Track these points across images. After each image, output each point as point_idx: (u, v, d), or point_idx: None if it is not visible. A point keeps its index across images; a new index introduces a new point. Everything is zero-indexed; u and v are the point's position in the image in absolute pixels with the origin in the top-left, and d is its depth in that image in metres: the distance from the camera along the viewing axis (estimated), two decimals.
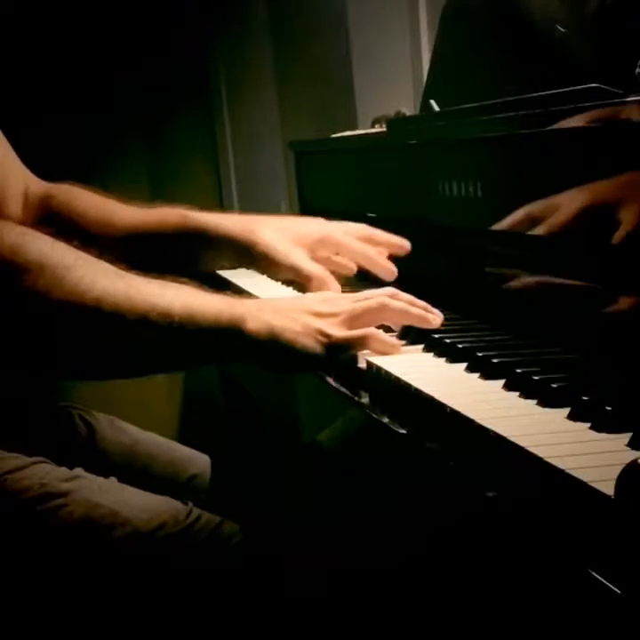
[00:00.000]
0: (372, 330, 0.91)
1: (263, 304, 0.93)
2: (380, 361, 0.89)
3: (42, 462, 0.95)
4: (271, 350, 0.89)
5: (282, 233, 1.17)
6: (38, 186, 1.20)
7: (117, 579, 0.91)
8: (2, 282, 0.84)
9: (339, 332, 0.90)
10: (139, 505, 0.94)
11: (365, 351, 0.92)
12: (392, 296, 0.96)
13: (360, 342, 0.91)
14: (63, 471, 0.96)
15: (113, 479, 0.99)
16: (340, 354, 0.91)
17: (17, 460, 0.94)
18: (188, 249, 1.18)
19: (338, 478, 1.04)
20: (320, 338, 0.90)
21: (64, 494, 0.92)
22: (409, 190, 1.26)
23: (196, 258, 1.20)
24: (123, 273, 0.89)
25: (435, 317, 0.97)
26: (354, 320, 0.92)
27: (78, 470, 0.98)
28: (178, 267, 1.09)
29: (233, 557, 0.94)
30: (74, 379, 1.03)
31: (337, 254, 1.20)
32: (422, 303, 0.98)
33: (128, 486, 0.98)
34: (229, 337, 0.89)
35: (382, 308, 0.94)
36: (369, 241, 1.17)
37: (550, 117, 0.89)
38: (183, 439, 1.27)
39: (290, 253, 1.13)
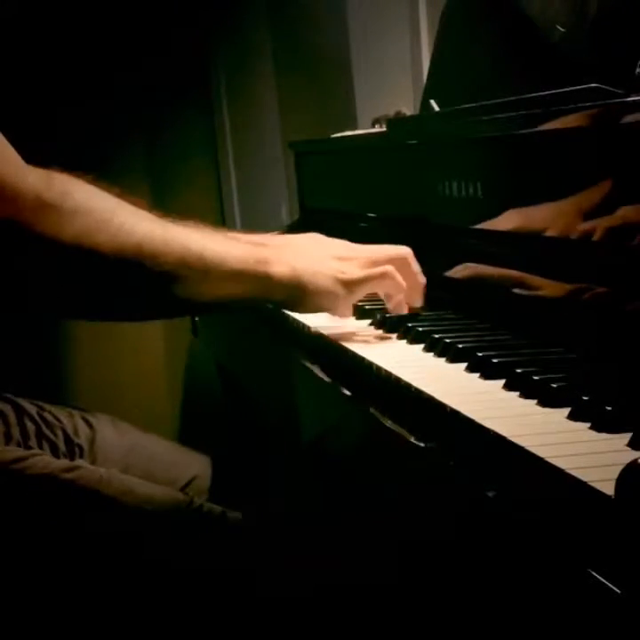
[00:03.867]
0: (389, 268, 0.97)
1: (286, 247, 0.98)
2: (380, 361, 0.89)
3: (42, 454, 0.96)
4: (293, 290, 0.95)
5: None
6: None
7: (119, 568, 0.91)
8: (52, 225, 0.86)
9: (357, 271, 0.97)
10: (140, 495, 0.94)
11: (367, 351, 0.92)
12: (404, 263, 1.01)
13: (377, 280, 0.97)
14: (64, 462, 0.96)
15: (114, 470, 0.99)
16: (357, 292, 0.98)
17: (17, 451, 0.94)
18: None
19: (338, 478, 1.04)
20: (339, 276, 0.96)
21: (66, 484, 0.92)
22: (409, 190, 1.26)
23: None
24: (159, 219, 0.93)
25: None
26: (372, 264, 0.98)
27: (79, 461, 0.98)
28: None
29: (234, 548, 0.95)
30: (112, 320, 1.09)
31: None
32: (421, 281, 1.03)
33: (129, 477, 0.99)
34: (256, 279, 0.93)
35: (403, 260, 1.00)
36: None
37: (550, 117, 0.89)
38: (183, 439, 1.27)
39: None
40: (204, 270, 0.91)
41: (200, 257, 0.91)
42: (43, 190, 0.86)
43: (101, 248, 0.87)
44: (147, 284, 0.91)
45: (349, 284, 0.96)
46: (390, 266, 0.98)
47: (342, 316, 1.02)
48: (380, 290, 0.99)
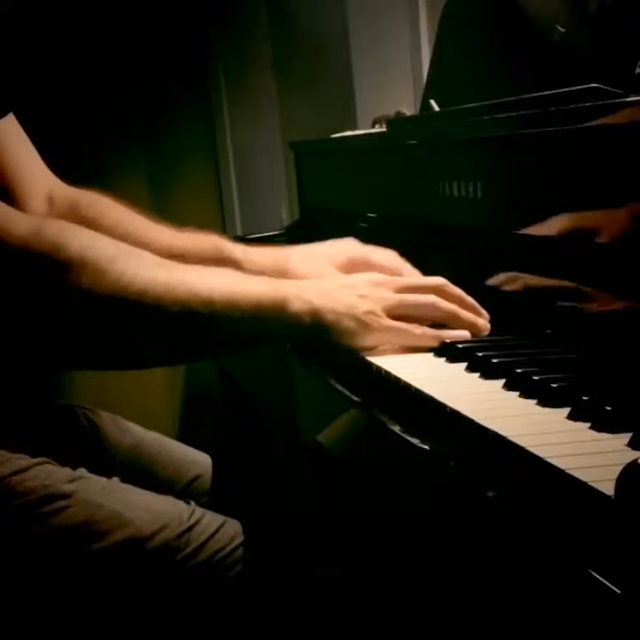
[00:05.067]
0: (412, 327, 0.92)
1: (308, 285, 0.93)
2: (380, 361, 0.89)
3: (45, 463, 0.95)
4: (314, 329, 0.90)
5: (312, 258, 1.16)
6: (64, 190, 1.19)
7: (120, 580, 0.91)
8: (45, 279, 0.84)
9: (383, 319, 0.91)
10: (141, 506, 0.94)
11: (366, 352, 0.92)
12: (442, 291, 0.96)
13: (400, 335, 0.92)
14: (66, 472, 0.96)
15: (115, 480, 0.99)
16: (384, 336, 0.92)
17: (21, 460, 0.94)
18: None
19: (338, 478, 1.04)
20: (364, 319, 0.91)
21: (67, 496, 0.91)
22: (409, 190, 1.26)
23: None
24: (164, 262, 0.89)
25: (484, 323, 0.96)
26: (399, 309, 0.93)
27: (81, 471, 0.97)
28: None
29: (235, 558, 0.94)
30: (116, 370, 1.05)
31: None
32: (471, 301, 0.97)
33: (131, 487, 0.98)
34: (271, 320, 0.90)
35: (432, 306, 0.94)
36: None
37: (550, 117, 0.89)
38: (183, 439, 1.26)
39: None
40: (213, 315, 0.88)
41: (209, 301, 0.87)
42: (31, 242, 0.83)
43: (99, 299, 0.84)
44: (154, 333, 0.88)
45: (376, 329, 0.91)
46: (412, 326, 0.92)
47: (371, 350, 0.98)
48: (407, 341, 0.93)
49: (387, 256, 1.15)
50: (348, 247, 1.18)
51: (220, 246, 1.16)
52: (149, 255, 0.90)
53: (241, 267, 1.14)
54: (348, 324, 0.91)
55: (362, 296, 0.93)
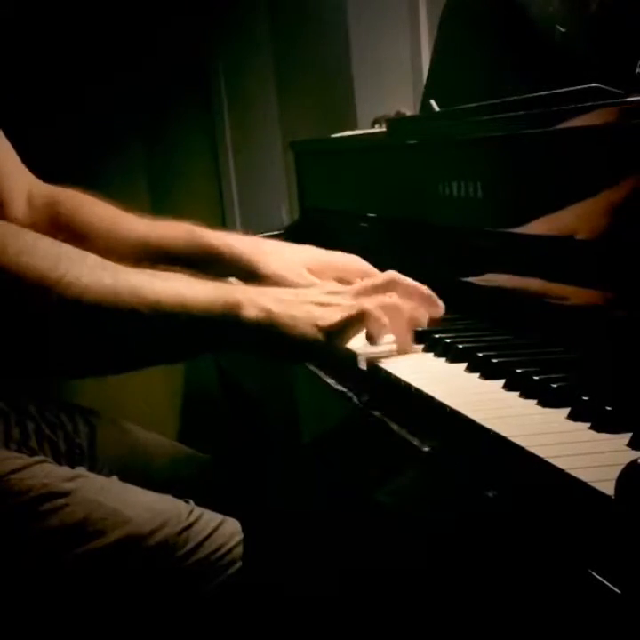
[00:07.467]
0: (369, 307, 0.90)
1: (263, 291, 0.91)
2: (381, 361, 0.89)
3: (44, 462, 0.95)
4: (268, 337, 0.88)
5: (285, 254, 1.16)
6: (41, 188, 1.19)
7: (120, 577, 0.91)
8: None
9: (337, 316, 0.89)
10: (140, 504, 0.94)
11: (366, 351, 0.92)
12: (396, 284, 0.95)
13: (357, 321, 0.90)
14: (65, 470, 0.96)
15: (114, 478, 0.99)
16: (339, 339, 0.90)
17: (19, 459, 0.94)
18: (195, 265, 1.15)
19: (338, 478, 1.04)
20: (320, 324, 0.88)
21: (66, 494, 0.92)
22: (409, 190, 1.26)
23: (201, 274, 1.10)
24: (110, 265, 0.87)
25: (441, 311, 0.97)
26: (352, 308, 0.90)
27: (80, 469, 0.98)
28: None
29: (233, 557, 0.94)
30: (65, 377, 1.00)
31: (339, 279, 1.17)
32: (428, 292, 0.98)
33: (130, 485, 0.98)
34: (225, 324, 0.87)
35: (391, 279, 0.93)
36: (365, 275, 1.13)
37: (550, 117, 0.89)
38: (183, 439, 1.27)
39: (298, 275, 1.12)
40: (159, 319, 0.85)
41: (156, 305, 0.85)
42: None
43: (37, 303, 0.82)
44: (98, 337, 0.86)
45: (329, 331, 0.89)
46: (370, 305, 0.90)
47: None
48: (367, 330, 0.91)
49: (351, 260, 1.17)
50: (314, 252, 1.19)
51: (194, 232, 1.17)
52: (95, 258, 0.87)
53: (218, 251, 1.16)
54: (305, 328, 0.88)
55: (320, 304, 0.91)
